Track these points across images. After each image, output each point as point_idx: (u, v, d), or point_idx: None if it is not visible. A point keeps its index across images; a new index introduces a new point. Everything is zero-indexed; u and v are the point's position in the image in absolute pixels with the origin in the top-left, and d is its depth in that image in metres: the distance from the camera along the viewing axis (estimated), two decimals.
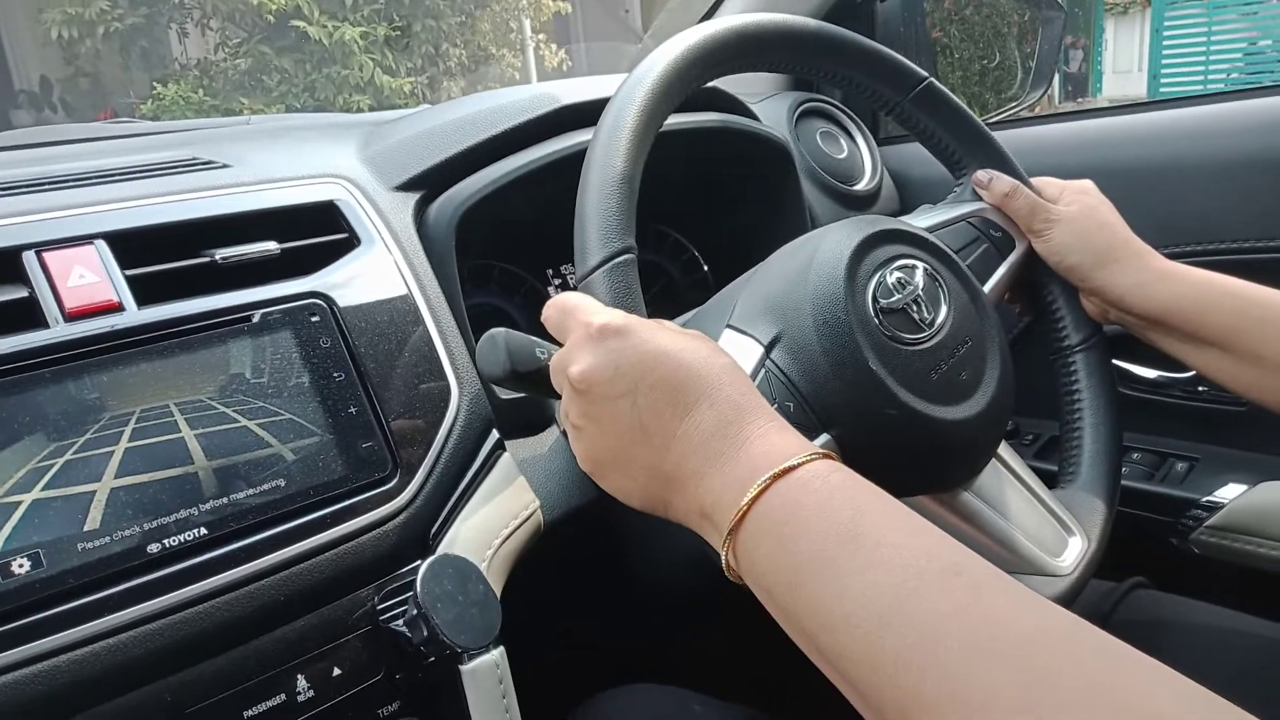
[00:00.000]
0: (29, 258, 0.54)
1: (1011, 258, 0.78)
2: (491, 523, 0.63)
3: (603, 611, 0.89)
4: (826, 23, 0.73)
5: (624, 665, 0.80)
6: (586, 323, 0.51)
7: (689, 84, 0.65)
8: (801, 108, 1.13)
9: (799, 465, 0.44)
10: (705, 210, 1.04)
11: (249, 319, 0.58)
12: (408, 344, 0.64)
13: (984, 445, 0.65)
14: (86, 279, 0.54)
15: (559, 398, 0.55)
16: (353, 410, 0.59)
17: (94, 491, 0.49)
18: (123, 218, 0.58)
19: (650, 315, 0.54)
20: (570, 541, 0.69)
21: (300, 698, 0.53)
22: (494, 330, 0.57)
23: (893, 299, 0.60)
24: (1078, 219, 0.76)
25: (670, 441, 0.48)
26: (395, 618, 0.56)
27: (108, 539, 0.49)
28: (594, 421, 0.51)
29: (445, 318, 0.67)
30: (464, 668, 0.58)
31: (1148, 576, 0.88)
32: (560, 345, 0.55)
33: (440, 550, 0.60)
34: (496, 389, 0.68)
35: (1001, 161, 0.80)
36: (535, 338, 0.58)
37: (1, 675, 0.44)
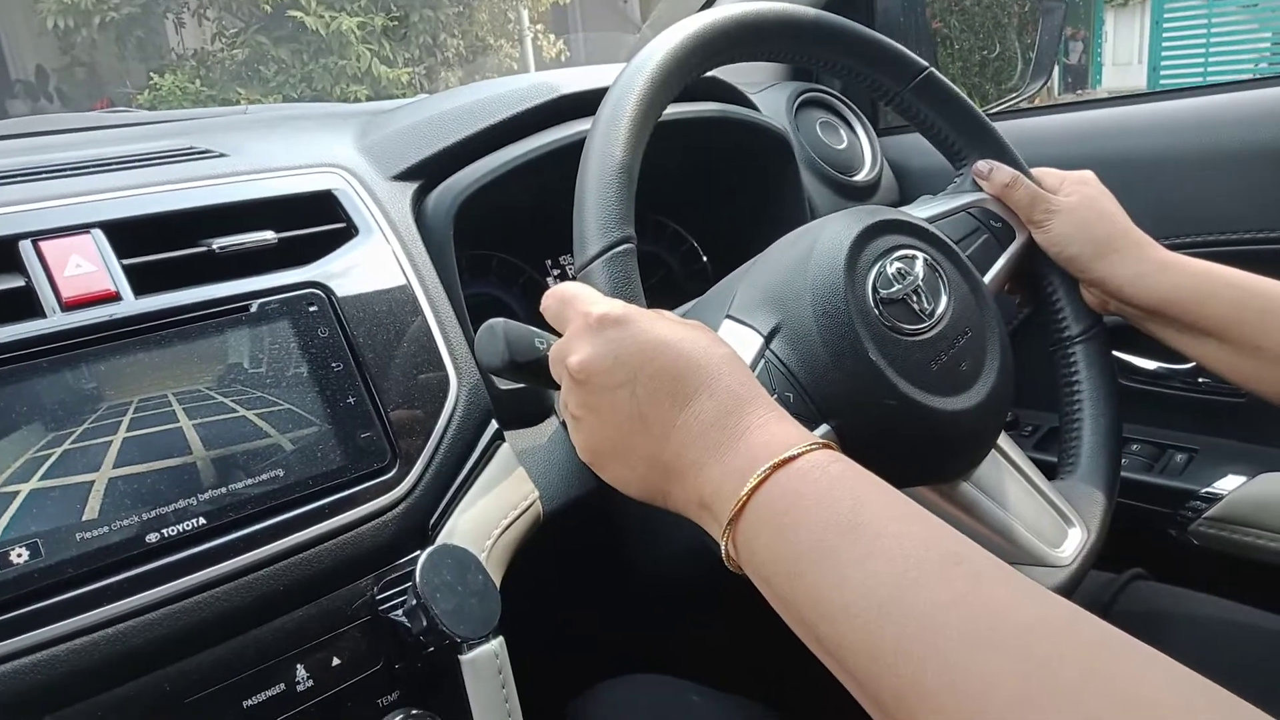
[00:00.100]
0: (25, 247, 0.53)
1: (1011, 248, 0.78)
2: (490, 513, 0.63)
3: (602, 602, 0.89)
4: (826, 12, 0.72)
5: (623, 655, 0.80)
6: (585, 312, 0.51)
7: (688, 73, 0.65)
8: (801, 98, 1.13)
9: (799, 455, 0.44)
10: (704, 200, 1.04)
11: (247, 309, 0.58)
12: (406, 334, 0.63)
13: (984, 436, 0.65)
14: (83, 268, 0.54)
15: (558, 388, 0.55)
16: (351, 400, 0.59)
17: (92, 481, 0.49)
18: (120, 207, 0.58)
19: (649, 306, 0.54)
20: (569, 532, 0.69)
21: (300, 687, 0.53)
22: (492, 320, 0.57)
23: (893, 289, 0.60)
24: (1078, 210, 0.76)
25: (669, 431, 0.48)
26: (394, 608, 0.56)
27: (106, 529, 0.48)
28: (593, 411, 0.51)
29: (444, 308, 0.67)
30: (463, 658, 0.58)
31: (1147, 567, 0.88)
32: (559, 335, 0.54)
33: (439, 540, 0.60)
34: (495, 379, 0.68)
35: (1001, 152, 0.80)
36: (534, 328, 0.58)
37: (0, 664, 0.44)
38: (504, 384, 0.69)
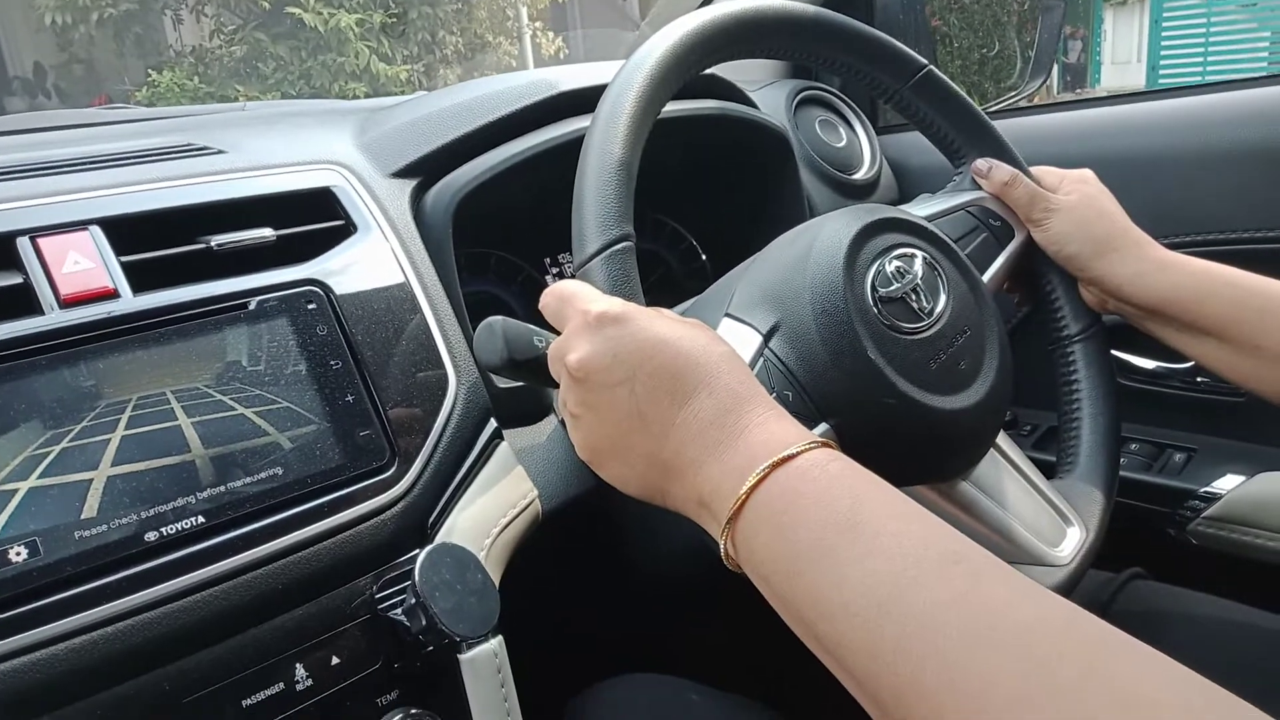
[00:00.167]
0: (23, 244, 0.53)
1: (1010, 247, 0.78)
2: (489, 512, 0.63)
3: (601, 601, 0.89)
4: (825, 9, 0.72)
5: (622, 654, 0.80)
6: (584, 310, 0.51)
7: (687, 70, 0.64)
8: (800, 95, 1.12)
9: (798, 454, 0.44)
10: (703, 198, 1.03)
11: (245, 306, 0.57)
12: (405, 332, 0.63)
13: (982, 435, 0.65)
14: (82, 265, 0.54)
15: (557, 386, 0.55)
16: (350, 398, 0.58)
17: (91, 479, 0.49)
18: (118, 203, 0.58)
19: (649, 304, 0.54)
20: (568, 531, 0.69)
21: (299, 686, 0.53)
22: (491, 318, 0.57)
23: (891, 288, 0.60)
24: (1077, 208, 0.76)
25: (668, 430, 0.48)
26: (393, 606, 0.56)
27: (105, 527, 0.48)
28: (592, 410, 0.51)
29: (442, 306, 0.67)
30: (462, 657, 0.58)
31: (1145, 567, 0.88)
32: (558, 333, 0.54)
33: (438, 539, 0.60)
34: (494, 377, 0.68)
35: (1000, 150, 0.80)
36: (533, 326, 0.57)
37: None
38: (503, 382, 0.69)
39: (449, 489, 0.62)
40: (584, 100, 0.79)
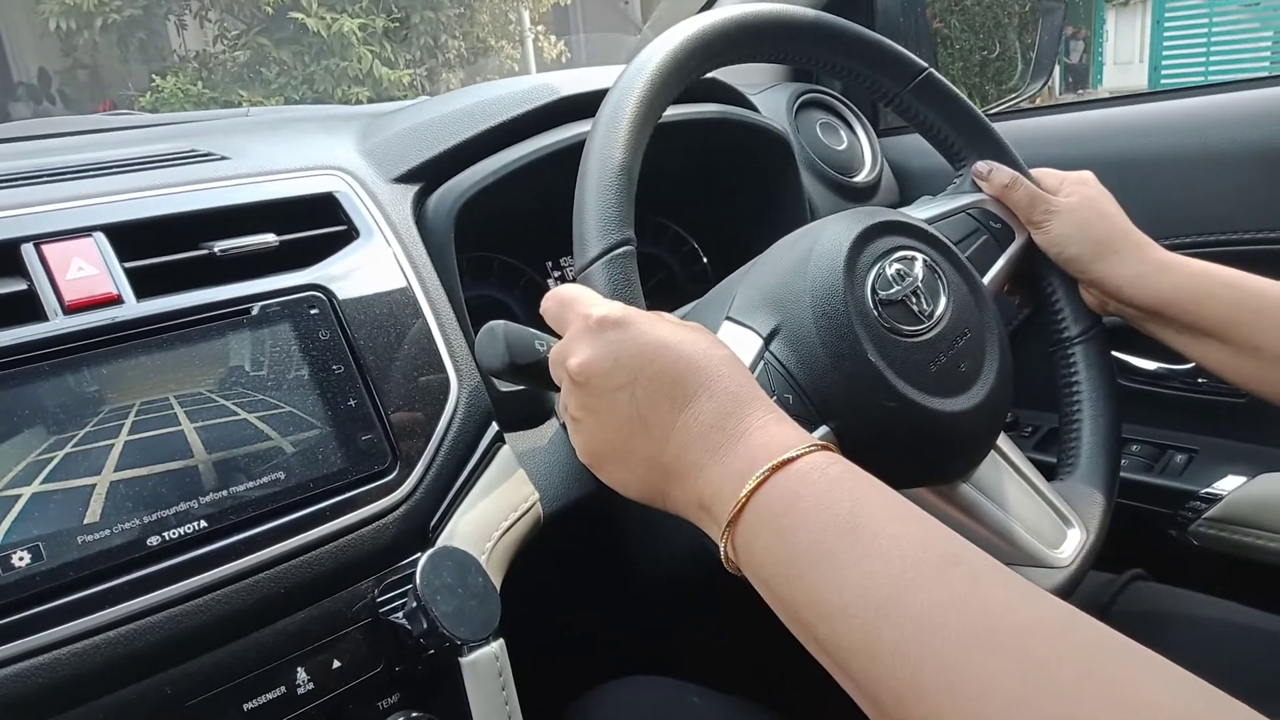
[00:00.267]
0: (28, 250, 0.54)
1: (1011, 249, 0.78)
2: (491, 515, 0.63)
3: (602, 604, 0.89)
4: (825, 13, 0.72)
5: (624, 657, 0.80)
6: (585, 315, 0.51)
7: (687, 75, 0.65)
8: (801, 99, 1.13)
9: (798, 457, 0.44)
10: (704, 202, 1.04)
11: (248, 311, 0.58)
12: (407, 336, 0.64)
13: (983, 437, 0.65)
14: (85, 271, 0.54)
15: (558, 390, 0.55)
16: (352, 403, 0.59)
17: (94, 484, 0.49)
18: (121, 210, 0.58)
19: (650, 307, 0.54)
20: (570, 534, 0.69)
21: (300, 690, 0.53)
22: (493, 323, 0.57)
23: (892, 290, 0.60)
24: (1077, 210, 0.76)
25: (669, 433, 0.48)
26: (395, 610, 0.56)
27: (108, 532, 0.49)
28: (593, 413, 0.51)
29: (444, 310, 0.67)
30: (464, 660, 0.58)
31: (1146, 568, 0.88)
32: (559, 337, 0.54)
33: (440, 543, 0.60)
34: (496, 381, 0.68)
35: (1001, 153, 0.80)
36: (534, 330, 0.58)
37: (2, 668, 0.44)
38: (504, 386, 0.69)
39: (450, 492, 0.62)
40: (585, 105, 0.79)
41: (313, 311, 0.60)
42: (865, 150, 1.16)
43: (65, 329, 0.52)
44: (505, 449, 0.66)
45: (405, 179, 0.74)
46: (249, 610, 0.52)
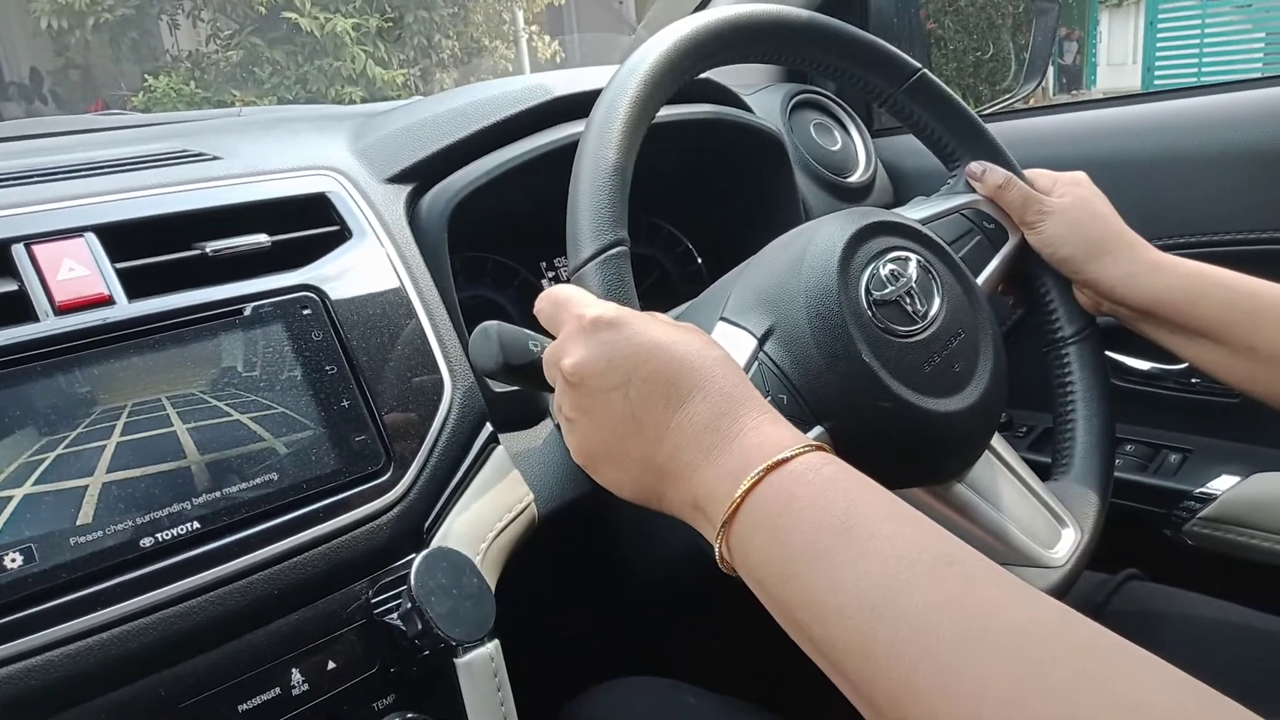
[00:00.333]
0: (18, 251, 0.53)
1: (1004, 250, 0.78)
2: (485, 516, 0.63)
3: (598, 604, 0.89)
4: (819, 13, 0.72)
5: (619, 658, 0.80)
6: (579, 315, 0.51)
7: (681, 75, 0.65)
8: (795, 99, 1.13)
9: (792, 457, 0.44)
10: (699, 202, 1.04)
11: (240, 312, 0.58)
12: (400, 337, 0.63)
13: (977, 437, 0.65)
14: (77, 272, 0.54)
15: (552, 390, 0.55)
16: (345, 404, 0.59)
17: (86, 486, 0.49)
18: (113, 210, 0.58)
19: (644, 308, 0.54)
20: (565, 534, 0.69)
21: (295, 691, 0.53)
22: (487, 323, 0.57)
23: (886, 291, 0.60)
24: (1070, 211, 0.76)
25: (663, 434, 0.48)
26: (389, 611, 0.56)
27: (100, 533, 0.48)
28: (587, 414, 0.51)
29: (438, 311, 0.67)
30: (458, 661, 0.58)
31: (1141, 568, 0.89)
32: (553, 338, 0.54)
33: (434, 544, 0.60)
34: (490, 382, 0.68)
35: (994, 153, 0.80)
36: (528, 330, 0.58)
37: None
38: (498, 387, 0.69)
39: (445, 493, 0.62)
40: (579, 105, 0.79)
41: (305, 312, 0.60)
42: (859, 151, 1.16)
43: (56, 330, 0.52)
44: (499, 450, 0.66)
45: (398, 179, 0.74)
46: (243, 611, 0.52)
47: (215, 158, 0.68)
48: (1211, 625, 0.80)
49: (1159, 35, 8.00)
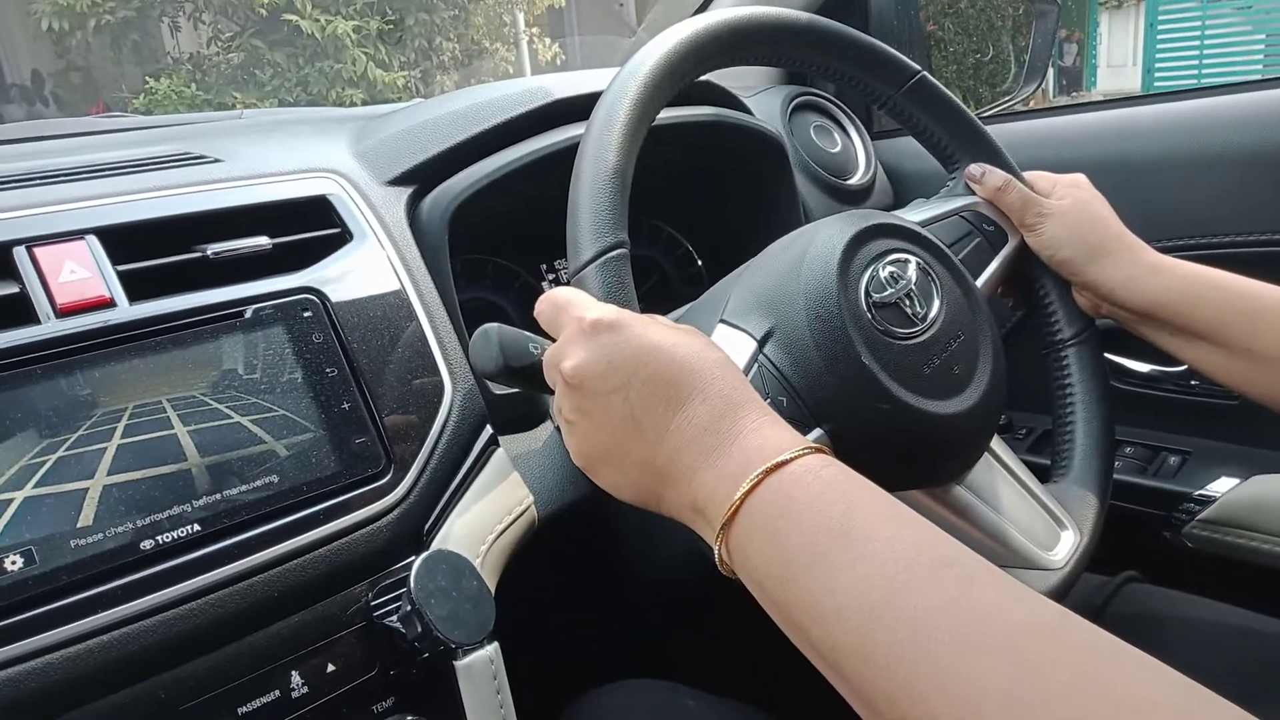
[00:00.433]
0: (20, 253, 0.53)
1: (1004, 252, 0.78)
2: (485, 518, 0.63)
3: (597, 606, 0.89)
4: (819, 16, 0.73)
5: (619, 660, 0.80)
6: (579, 318, 0.51)
7: (681, 78, 0.65)
8: (795, 101, 1.13)
9: (791, 460, 0.44)
10: (699, 204, 1.04)
11: (241, 314, 0.58)
12: (401, 339, 0.63)
13: (977, 439, 0.65)
14: (78, 274, 0.54)
15: (552, 393, 0.55)
16: (346, 406, 0.59)
17: (87, 488, 0.49)
18: (114, 213, 0.58)
19: (644, 310, 0.54)
20: (564, 537, 0.69)
21: (295, 694, 0.53)
22: (487, 325, 0.57)
23: (885, 293, 0.60)
24: (1070, 213, 0.76)
25: (663, 436, 0.48)
26: (389, 614, 0.56)
27: (101, 536, 0.48)
28: (587, 416, 0.51)
29: (438, 313, 0.67)
30: (458, 663, 0.58)
31: (1140, 570, 0.89)
32: (553, 340, 0.55)
33: (434, 546, 0.60)
34: (490, 384, 0.68)
35: (994, 155, 0.80)
36: (528, 333, 0.58)
37: None
38: (498, 389, 0.69)
39: (445, 496, 0.62)
40: (579, 108, 0.79)
41: (306, 314, 0.60)
42: (859, 153, 1.16)
43: (57, 332, 0.52)
44: (499, 452, 0.66)
45: (399, 181, 0.74)
46: (243, 614, 0.52)
47: (216, 160, 0.68)
48: (1211, 627, 0.80)
49: (1159, 37, 8.01)
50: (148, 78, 7.53)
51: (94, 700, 0.47)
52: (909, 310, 0.61)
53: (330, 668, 0.55)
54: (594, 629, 0.92)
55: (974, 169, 0.79)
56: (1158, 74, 7.99)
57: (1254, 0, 7.62)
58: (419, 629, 0.53)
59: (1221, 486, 0.95)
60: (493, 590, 0.59)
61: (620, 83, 0.62)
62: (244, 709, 0.51)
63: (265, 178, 0.66)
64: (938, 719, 0.35)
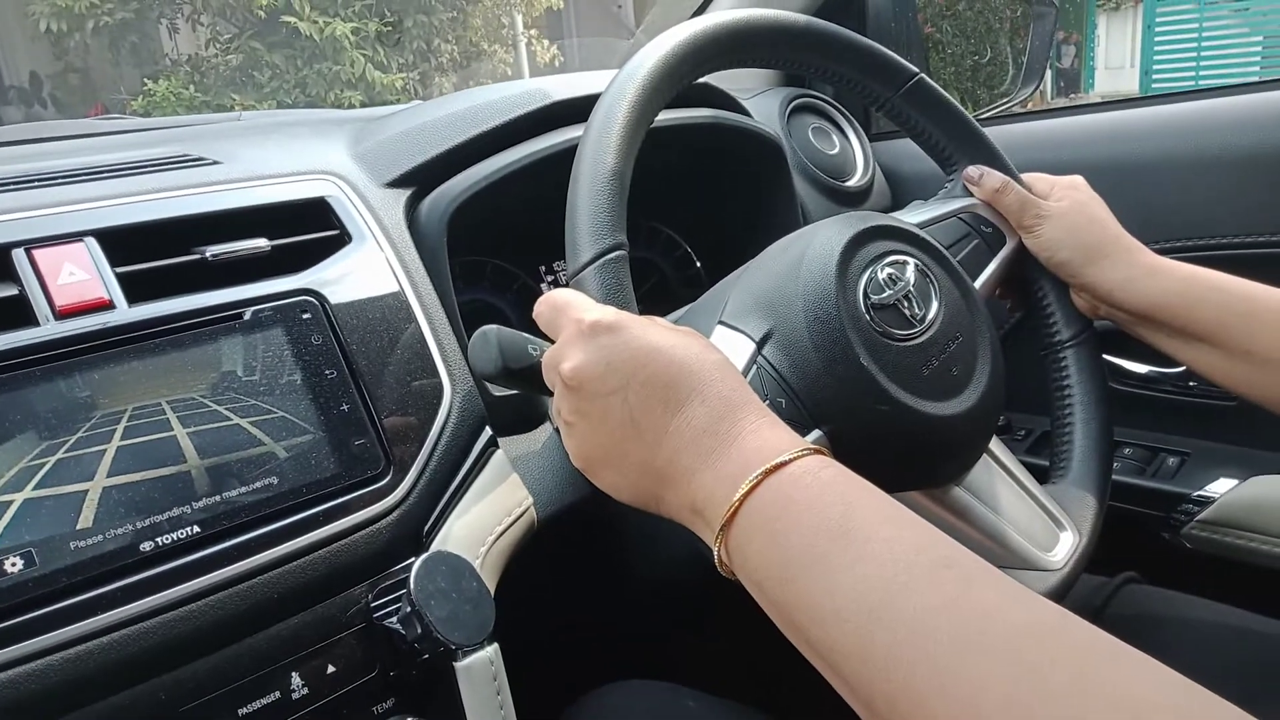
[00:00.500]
0: (19, 255, 0.53)
1: (1002, 253, 0.78)
2: (485, 520, 0.63)
3: (597, 607, 0.89)
4: (817, 18, 0.73)
5: (618, 661, 0.80)
6: (578, 319, 0.52)
7: (679, 80, 0.65)
8: (793, 103, 1.13)
9: (790, 461, 0.44)
10: (697, 206, 1.04)
11: (240, 316, 0.58)
12: (400, 341, 0.63)
13: (975, 441, 0.65)
14: (77, 276, 0.54)
15: (551, 394, 0.55)
16: (345, 408, 0.59)
17: (86, 490, 0.49)
18: (113, 215, 0.58)
19: (643, 312, 0.55)
20: (564, 538, 0.70)
21: (295, 695, 0.53)
22: (486, 327, 0.57)
23: (884, 295, 0.60)
24: (1068, 215, 0.77)
25: (662, 438, 0.48)
26: (389, 615, 0.56)
27: (100, 537, 0.48)
28: (586, 418, 0.51)
29: (437, 315, 0.67)
30: (458, 665, 0.58)
31: (1139, 571, 0.89)
32: (552, 342, 0.55)
33: (434, 547, 0.60)
34: (489, 386, 0.68)
35: (992, 157, 0.80)
36: (527, 334, 0.58)
37: None
38: (498, 390, 0.69)
39: (444, 497, 0.62)
40: (577, 110, 0.79)
41: (305, 316, 0.60)
42: (857, 155, 1.16)
43: (57, 334, 0.52)
44: (499, 453, 0.66)
45: (398, 183, 0.74)
46: (243, 615, 0.52)
47: (215, 162, 0.68)
48: (1209, 628, 0.80)
49: (1157, 39, 8.02)
50: (146, 79, 7.52)
51: (94, 702, 0.47)
52: (907, 312, 0.61)
53: (330, 669, 0.55)
54: (594, 630, 0.92)
55: (972, 171, 0.79)
56: (1155, 76, 8.00)
57: (1251, 2, 7.64)
58: (419, 630, 0.54)
59: (1220, 487, 0.95)
60: (492, 591, 0.59)
61: (619, 85, 0.62)
62: (244, 710, 0.51)
63: (264, 180, 0.66)
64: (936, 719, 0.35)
